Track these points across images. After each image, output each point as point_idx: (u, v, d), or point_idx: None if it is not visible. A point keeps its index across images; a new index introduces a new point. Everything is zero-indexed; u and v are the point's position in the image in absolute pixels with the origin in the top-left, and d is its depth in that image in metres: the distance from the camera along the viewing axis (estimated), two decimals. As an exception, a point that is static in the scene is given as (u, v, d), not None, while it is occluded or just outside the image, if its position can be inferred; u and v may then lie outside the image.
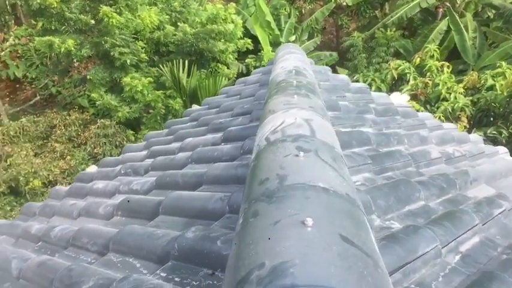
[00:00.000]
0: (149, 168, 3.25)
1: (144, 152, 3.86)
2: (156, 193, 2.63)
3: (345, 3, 18.48)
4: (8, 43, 19.22)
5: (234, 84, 5.62)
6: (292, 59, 3.90)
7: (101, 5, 12.63)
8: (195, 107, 5.44)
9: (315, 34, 19.27)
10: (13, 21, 19.10)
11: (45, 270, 2.06)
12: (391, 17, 16.11)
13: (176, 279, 1.48)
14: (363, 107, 3.75)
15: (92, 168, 4.65)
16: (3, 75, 18.68)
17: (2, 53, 18.94)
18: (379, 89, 11.36)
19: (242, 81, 5.09)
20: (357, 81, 12.35)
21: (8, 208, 10.62)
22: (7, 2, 15.40)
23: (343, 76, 5.14)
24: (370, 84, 11.45)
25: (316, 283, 0.86)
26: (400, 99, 5.27)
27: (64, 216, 3.16)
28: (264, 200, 1.26)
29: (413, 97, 9.65)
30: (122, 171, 3.55)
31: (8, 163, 11.91)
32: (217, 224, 1.78)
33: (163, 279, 1.50)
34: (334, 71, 16.42)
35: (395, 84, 11.67)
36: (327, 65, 17.87)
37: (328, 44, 21.55)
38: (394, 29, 16.18)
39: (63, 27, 13.25)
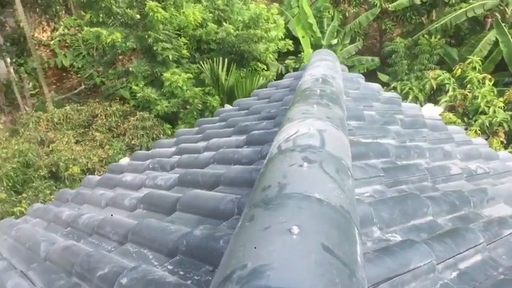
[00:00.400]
0: (175, 165, 3.41)
1: (173, 149, 4.02)
2: (177, 190, 2.77)
3: (390, 8, 18.26)
4: (57, 32, 20.01)
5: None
6: (322, 67, 3.97)
7: (148, 0, 13.00)
8: (227, 106, 5.58)
9: (358, 38, 19.15)
10: (64, 12, 19.82)
11: (69, 254, 2.22)
12: (436, 23, 15.81)
13: (181, 272, 1.61)
14: (389, 118, 3.77)
15: (125, 160, 4.86)
16: (51, 63, 19.46)
17: (52, 42, 19.74)
18: (416, 98, 11.23)
19: (274, 84, 5.19)
20: (395, 88, 12.23)
21: (48, 192, 11.08)
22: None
23: (375, 85, 5.15)
24: (407, 93, 11.32)
25: (288, 286, 0.95)
26: (433, 111, 5.22)
27: (93, 205, 3.34)
28: (262, 206, 1.36)
29: (451, 109, 9.50)
30: (150, 166, 3.72)
31: (50, 149, 12.45)
32: (225, 224, 1.89)
33: (169, 271, 1.63)
34: (375, 77, 16.40)
35: (434, 95, 11.49)
36: (367, 69, 17.76)
37: (370, 48, 21.35)
38: (438, 36, 15.87)
39: (110, 20, 13.70)
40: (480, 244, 2.01)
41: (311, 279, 0.99)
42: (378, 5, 17.86)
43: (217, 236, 1.69)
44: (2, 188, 11.18)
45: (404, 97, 11.40)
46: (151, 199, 2.65)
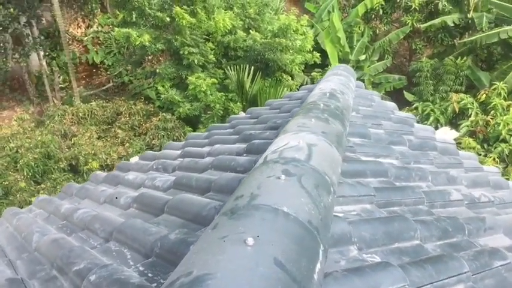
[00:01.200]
0: (176, 168, 3.43)
1: (179, 152, 4.06)
2: (172, 192, 2.79)
3: (422, 28, 18.09)
4: (91, 29, 20.44)
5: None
6: (333, 81, 3.95)
7: (179, 4, 13.20)
8: (241, 114, 5.60)
9: (387, 56, 19.00)
10: (99, 10, 20.25)
11: (55, 247, 2.26)
12: (465, 44, 15.56)
13: (149, 274, 1.61)
14: (397, 137, 3.73)
15: (134, 159, 4.91)
16: (83, 59, 19.87)
17: (85, 38, 20.17)
18: (437, 120, 11.04)
19: (288, 95, 5.19)
20: (416, 109, 12.07)
21: (65, 184, 11.28)
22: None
23: (390, 103, 5.11)
24: (428, 115, 11.15)
25: (223, 297, 0.95)
26: (448, 134, 5.14)
27: (93, 201, 3.39)
28: (228, 214, 1.36)
29: (472, 134, 9.31)
30: (154, 167, 3.75)
31: (72, 142, 12.70)
32: (203, 230, 1.89)
33: (138, 272, 1.64)
34: (402, 95, 16.21)
35: (456, 118, 11.29)
36: (394, 88, 17.60)
37: (399, 67, 21.14)
38: (465, 57, 15.59)
39: (142, 21, 13.95)
40: (464, 273, 1.96)
41: (250, 292, 0.98)
42: (410, 24, 17.70)
43: (189, 242, 1.69)
44: (23, 177, 11.44)
45: (425, 118, 11.27)
46: (143, 199, 2.68)
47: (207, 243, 1.21)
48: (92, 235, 2.44)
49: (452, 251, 2.22)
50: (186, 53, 13.07)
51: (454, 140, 4.99)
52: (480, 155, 8.29)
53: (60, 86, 18.46)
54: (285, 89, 13.24)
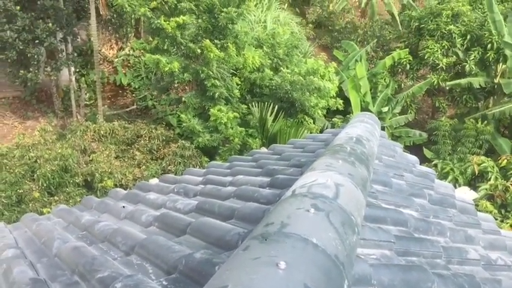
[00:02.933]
0: (198, 193, 3.49)
1: (200, 178, 4.13)
2: (193, 215, 2.84)
3: (447, 87, 18.22)
4: (123, 52, 21.02)
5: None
6: (359, 128, 4.02)
7: (211, 37, 13.56)
8: (263, 149, 5.67)
9: (410, 110, 19.10)
10: (133, 34, 20.88)
11: (76, 254, 2.31)
12: (490, 110, 15.59)
13: (172, 289, 1.65)
14: (418, 190, 3.75)
15: (154, 181, 4.99)
16: (111, 79, 20.36)
17: (116, 60, 20.72)
18: (456, 180, 10.99)
19: (311, 137, 5.26)
20: (436, 166, 12.04)
21: (78, 199, 11.37)
22: (132, 16, 16.95)
23: (412, 157, 5.14)
24: (447, 173, 11.11)
25: (257, 313, 0.99)
26: (467, 194, 5.13)
27: (113, 215, 3.45)
28: (259, 239, 1.41)
29: (490, 198, 9.23)
30: (175, 190, 3.82)
31: (91, 158, 12.86)
32: (226, 253, 1.93)
33: (162, 286, 1.68)
34: (421, 152, 16.18)
35: (475, 180, 11.22)
36: (414, 143, 17.59)
37: (421, 123, 21.19)
38: (485, 122, 15.59)
39: (174, 49, 14.31)
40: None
41: (282, 312, 1.02)
42: (436, 82, 17.85)
43: (214, 262, 1.73)
44: (37, 186, 11.58)
45: (444, 177, 11.22)
46: (165, 219, 2.73)
47: (239, 262, 1.26)
48: (113, 247, 2.49)
49: (467, 308, 2.22)
50: (210, 85, 13.33)
51: (472, 200, 4.97)
52: (497, 219, 8.20)
53: (85, 102, 18.86)
54: (306, 131, 13.36)
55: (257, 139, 13.50)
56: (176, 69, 13.29)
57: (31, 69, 16.34)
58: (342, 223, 1.69)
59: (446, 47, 17.61)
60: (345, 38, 22.96)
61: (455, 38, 17.51)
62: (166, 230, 2.62)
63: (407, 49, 18.76)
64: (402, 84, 20.20)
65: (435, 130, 16.11)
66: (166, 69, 13.25)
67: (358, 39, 22.90)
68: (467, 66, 17.12)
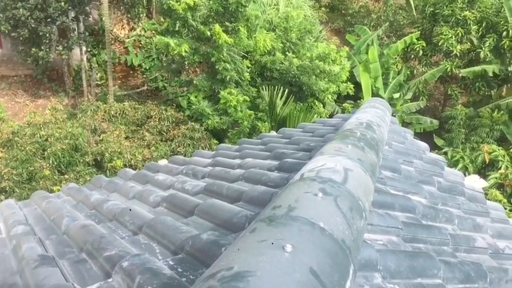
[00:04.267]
0: (206, 175, 3.50)
1: (209, 160, 4.13)
2: (201, 197, 2.85)
3: (461, 74, 17.97)
4: (134, 32, 20.98)
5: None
6: (370, 113, 3.99)
7: (223, 19, 13.46)
8: (272, 133, 5.66)
9: (421, 97, 18.91)
10: (145, 14, 20.78)
11: (85, 232, 2.33)
12: (505, 100, 15.39)
13: (179, 269, 1.66)
14: (427, 177, 3.73)
15: (163, 162, 5.01)
16: (122, 59, 20.36)
17: (127, 40, 20.69)
18: (465, 168, 10.91)
19: (321, 121, 5.24)
20: (446, 154, 11.94)
21: (88, 178, 11.47)
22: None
23: (422, 143, 5.10)
24: (457, 161, 11.03)
25: (263, 294, 0.99)
26: (476, 183, 5.09)
27: (122, 195, 3.48)
28: (266, 221, 1.41)
29: (500, 187, 9.17)
30: (184, 171, 3.83)
31: (101, 138, 12.94)
32: (233, 235, 1.94)
33: (168, 266, 1.69)
34: (431, 139, 16.06)
35: (485, 168, 11.13)
36: (424, 130, 17.45)
37: (432, 110, 21.00)
38: (502, 112, 15.40)
39: (185, 31, 14.24)
40: (484, 319, 1.96)
41: (288, 294, 1.02)
42: (449, 69, 17.62)
43: (220, 244, 1.74)
44: (48, 165, 11.69)
45: (454, 164, 11.13)
46: (174, 199, 2.74)
47: (245, 244, 1.26)
48: (121, 226, 2.51)
49: (473, 296, 2.22)
50: (221, 68, 13.28)
51: (482, 189, 4.94)
52: (506, 209, 8.15)
53: (96, 82, 18.91)
54: (315, 115, 13.29)
55: (266, 123, 13.47)
56: (184, 52, 13.25)
57: (43, 48, 16.37)
58: (350, 208, 1.68)
59: (460, 33, 17.35)
60: (358, 23, 22.68)
61: (470, 24, 17.23)
62: (174, 211, 2.64)
63: (419, 32, 18.46)
64: (415, 71, 19.95)
65: (450, 118, 15.95)
66: (176, 52, 13.21)
67: (372, 24, 22.60)
68: (481, 53, 16.86)
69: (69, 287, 1.62)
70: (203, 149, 13.29)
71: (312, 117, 12.86)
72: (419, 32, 18.74)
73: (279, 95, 13.11)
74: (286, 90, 13.27)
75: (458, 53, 17.54)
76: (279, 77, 14.47)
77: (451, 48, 17.34)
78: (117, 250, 1.90)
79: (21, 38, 16.35)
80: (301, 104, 14.19)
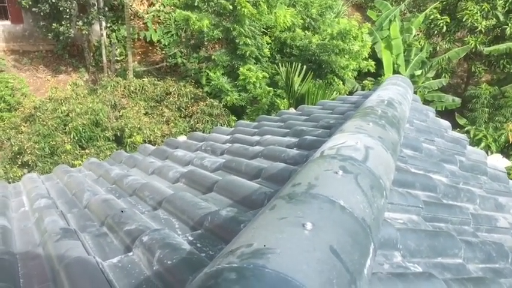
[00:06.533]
0: (225, 152, 3.50)
1: (228, 137, 4.13)
2: (220, 173, 2.86)
3: (485, 52, 17.50)
4: (154, 8, 20.89)
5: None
6: (391, 90, 3.92)
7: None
8: (291, 110, 5.62)
9: (444, 75, 18.51)
10: (163, -11, 20.66)
11: (106, 206, 2.36)
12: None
13: (198, 244, 1.67)
14: (449, 156, 3.67)
15: (182, 138, 5.02)
16: (141, 35, 20.35)
17: (146, 16, 20.62)
18: (488, 147, 10.72)
19: (342, 98, 5.17)
20: (468, 132, 11.74)
21: (108, 153, 11.63)
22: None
23: (444, 122, 5.01)
24: (480, 140, 10.82)
25: (282, 271, 0.98)
26: (499, 162, 5.00)
27: (142, 170, 3.51)
28: (285, 198, 1.40)
29: (523, 166, 8.99)
30: (203, 148, 3.84)
31: (121, 114, 13.05)
32: (252, 212, 1.94)
33: (188, 241, 1.70)
34: (453, 117, 15.78)
35: (508, 148, 10.91)
36: (446, 108, 17.14)
37: (454, 87, 20.59)
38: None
39: (204, 5, 14.11)
40: (505, 300, 1.94)
41: (308, 272, 1.02)
42: (473, 45, 17.17)
43: (239, 220, 1.74)
44: (69, 139, 11.86)
45: (476, 143, 10.95)
46: (193, 176, 2.75)
47: (265, 221, 1.26)
48: (140, 201, 2.54)
49: (494, 276, 2.19)
50: (241, 43, 13.16)
51: (505, 168, 4.85)
52: (528, 189, 8.00)
53: (116, 58, 18.98)
54: (335, 92, 13.16)
55: (285, 100, 13.38)
56: (205, 27, 13.15)
57: (63, 23, 16.45)
58: (371, 186, 1.66)
59: (486, 8, 16.84)
60: (380, -3, 22.16)
61: (496, -1, 16.73)
62: (193, 187, 2.65)
63: (440, 4, 17.94)
64: (438, 47, 19.49)
65: (474, 97, 15.59)
66: (196, 26, 13.13)
67: (394, -1, 22.08)
68: (507, 29, 16.38)
69: (91, 259, 1.64)
70: (222, 125, 13.30)
71: (331, 94, 12.73)
72: (443, 7, 18.24)
73: (297, 72, 12.97)
74: (305, 67, 13.12)
75: (483, 29, 17.05)
76: (299, 54, 14.30)
77: (475, 24, 16.85)
78: (137, 225, 1.91)
79: (41, 13, 16.44)
80: (320, 80, 14.03)
